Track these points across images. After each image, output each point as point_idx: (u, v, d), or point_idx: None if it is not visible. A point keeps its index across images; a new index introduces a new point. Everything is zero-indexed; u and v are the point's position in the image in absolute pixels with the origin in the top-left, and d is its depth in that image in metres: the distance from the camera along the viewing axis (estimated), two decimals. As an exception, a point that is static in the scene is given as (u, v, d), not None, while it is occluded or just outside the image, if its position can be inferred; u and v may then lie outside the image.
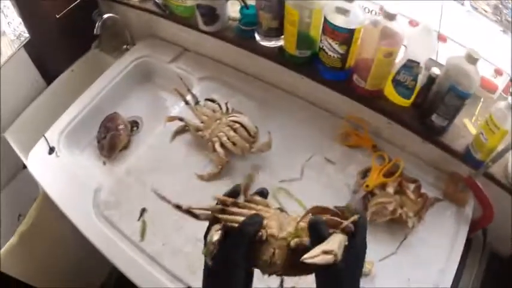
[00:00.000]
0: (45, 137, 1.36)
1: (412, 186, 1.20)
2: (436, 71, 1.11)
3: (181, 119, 1.27)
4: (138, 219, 1.16)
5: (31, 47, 1.47)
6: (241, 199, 0.67)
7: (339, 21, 1.08)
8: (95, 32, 1.46)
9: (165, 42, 1.55)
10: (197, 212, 0.63)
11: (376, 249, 1.12)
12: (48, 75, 1.55)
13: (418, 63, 1.09)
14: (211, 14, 1.30)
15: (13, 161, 1.48)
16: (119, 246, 1.12)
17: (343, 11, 1.07)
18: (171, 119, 1.28)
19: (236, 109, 1.29)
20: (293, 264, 0.58)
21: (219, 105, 1.27)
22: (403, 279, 1.07)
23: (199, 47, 1.50)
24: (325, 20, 1.10)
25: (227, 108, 1.27)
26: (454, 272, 1.08)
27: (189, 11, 1.36)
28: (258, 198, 0.67)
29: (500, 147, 1.07)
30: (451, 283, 1.06)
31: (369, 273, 1.07)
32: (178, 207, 0.63)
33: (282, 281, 1.06)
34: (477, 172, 1.13)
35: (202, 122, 1.25)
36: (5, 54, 1.39)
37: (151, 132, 1.36)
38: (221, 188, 1.18)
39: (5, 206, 1.53)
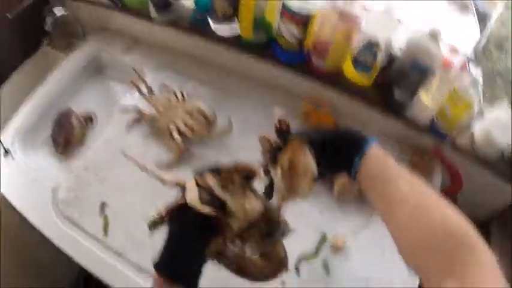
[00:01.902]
0: (-1, 140, 1.28)
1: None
2: (396, 48, 1.12)
3: (135, 109, 1.21)
4: (100, 215, 1.10)
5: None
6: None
7: (297, 5, 1.06)
8: (46, 28, 1.38)
9: (117, 34, 1.48)
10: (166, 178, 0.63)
11: (347, 223, 1.11)
12: (1, 75, 1.45)
13: (378, 42, 1.08)
14: (164, 3, 1.25)
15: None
16: (83, 245, 1.06)
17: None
18: (125, 109, 1.22)
19: (192, 96, 1.24)
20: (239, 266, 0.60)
21: (175, 94, 1.22)
22: (377, 251, 1.05)
23: (153, 37, 1.44)
24: (283, 4, 1.08)
25: (183, 96, 1.22)
26: None
27: (142, 1, 1.30)
28: (237, 179, 0.63)
29: (465, 119, 1.08)
30: None
31: (341, 247, 1.06)
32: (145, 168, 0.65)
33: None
34: (443, 143, 1.14)
35: (158, 111, 1.20)
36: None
37: (107, 126, 1.29)
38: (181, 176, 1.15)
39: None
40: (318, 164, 0.64)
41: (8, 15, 1.32)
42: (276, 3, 1.10)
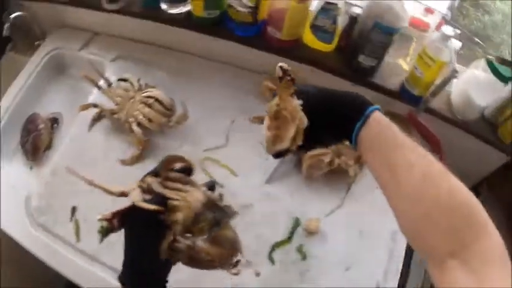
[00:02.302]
0: (-30, 154, 1.24)
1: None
2: (356, 10, 1.04)
3: (95, 105, 1.15)
4: (70, 220, 1.06)
5: None
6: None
7: None
8: (4, 33, 1.33)
9: (75, 30, 1.42)
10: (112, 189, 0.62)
11: (320, 204, 1.04)
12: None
13: (336, 4, 1.01)
14: (113, -8, 1.18)
15: None
16: (59, 252, 1.02)
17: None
18: (84, 107, 1.16)
19: (150, 84, 1.17)
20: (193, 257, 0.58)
21: (131, 83, 1.15)
22: (355, 231, 1.01)
23: (108, 28, 1.37)
24: None
25: (139, 85, 1.15)
26: None
27: (93, -8, 1.24)
28: (175, 175, 0.62)
29: (438, 80, 1.01)
30: None
31: (316, 230, 1.00)
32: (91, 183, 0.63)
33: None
34: (418, 108, 1.07)
35: (116, 104, 1.13)
36: None
37: (71, 126, 1.24)
38: (146, 169, 1.09)
39: None
40: (313, 124, 0.61)
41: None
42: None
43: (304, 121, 0.60)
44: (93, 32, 1.40)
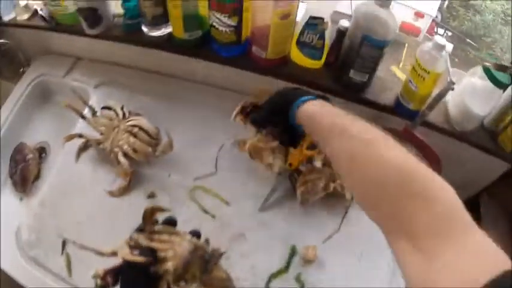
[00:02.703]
0: (-42, 186, 1.22)
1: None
2: (344, 23, 1.00)
3: (80, 135, 1.12)
4: (62, 253, 1.03)
5: None
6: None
7: None
8: (-12, 61, 1.29)
9: (59, 55, 1.38)
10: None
11: (316, 230, 1.00)
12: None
13: (322, 18, 0.97)
14: (93, 16, 1.14)
15: None
16: (51, 287, 0.98)
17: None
18: (70, 137, 1.12)
19: (134, 111, 1.13)
20: None
21: (115, 112, 1.11)
22: (354, 255, 0.96)
23: (91, 53, 1.34)
24: None
25: (123, 113, 1.11)
26: None
27: (73, 17, 1.19)
28: (160, 228, 0.65)
29: (435, 92, 0.96)
30: None
31: (313, 258, 0.95)
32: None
33: None
34: (414, 123, 1.02)
35: (101, 134, 1.10)
36: None
37: (58, 156, 1.20)
38: (134, 201, 1.06)
39: None
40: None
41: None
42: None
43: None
44: (77, 57, 1.37)
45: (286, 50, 1.07)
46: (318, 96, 0.75)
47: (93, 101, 1.22)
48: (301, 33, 1.02)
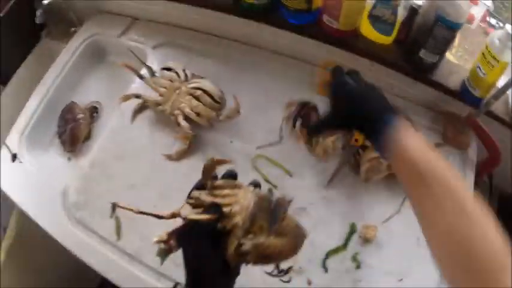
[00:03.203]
0: (6, 144, 1.19)
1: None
2: (417, 1, 0.96)
3: (137, 96, 1.08)
4: (111, 217, 0.99)
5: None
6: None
7: None
8: (37, 20, 1.27)
9: (113, 15, 1.35)
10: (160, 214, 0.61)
11: (377, 210, 0.97)
12: (4, 76, 1.36)
13: None
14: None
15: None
16: (98, 250, 0.96)
17: None
18: (126, 97, 1.08)
19: (197, 74, 1.09)
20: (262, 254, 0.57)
21: (177, 73, 1.07)
22: (412, 239, 0.92)
23: (149, 13, 1.30)
24: None
25: (185, 75, 1.07)
26: None
27: (132, -25, 1.16)
28: (221, 182, 0.62)
29: (501, 82, 0.94)
30: None
31: (372, 238, 0.92)
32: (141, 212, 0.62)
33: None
34: (478, 111, 0.99)
35: (161, 95, 1.06)
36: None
37: (111, 116, 1.18)
38: (193, 165, 1.02)
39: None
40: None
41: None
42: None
43: None
44: (133, 17, 1.33)
45: (357, 22, 1.04)
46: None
47: (151, 62, 1.18)
48: (374, 6, 0.98)
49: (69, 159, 1.20)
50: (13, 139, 1.19)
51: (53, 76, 1.26)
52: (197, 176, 0.62)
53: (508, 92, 0.99)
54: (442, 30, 0.92)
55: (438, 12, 0.90)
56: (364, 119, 0.65)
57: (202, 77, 1.07)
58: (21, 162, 1.15)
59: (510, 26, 0.92)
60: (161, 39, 1.26)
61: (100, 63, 1.35)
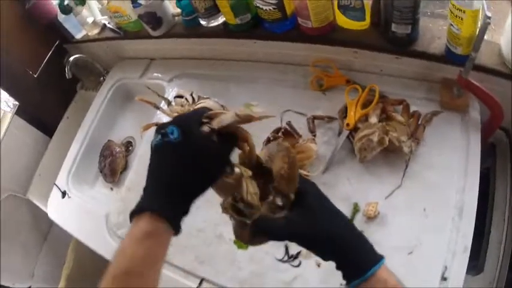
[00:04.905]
0: (55, 185, 1.39)
1: (399, 108, 1.05)
2: None
3: (157, 124, 1.22)
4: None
5: (23, 111, 1.50)
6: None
7: None
8: (67, 76, 1.46)
9: (134, 60, 1.53)
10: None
11: (378, 187, 0.97)
12: (49, 129, 1.59)
13: None
14: (154, 19, 1.27)
15: (45, 216, 1.51)
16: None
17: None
18: (147, 127, 1.21)
19: (203, 95, 1.22)
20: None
21: (186, 99, 1.21)
22: (417, 211, 0.91)
23: (161, 52, 1.46)
24: None
25: (193, 98, 1.20)
26: (477, 187, 0.90)
27: (137, 24, 1.34)
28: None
29: (476, 31, 0.88)
30: (476, 200, 0.89)
31: (374, 215, 0.93)
32: None
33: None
34: (465, 69, 0.93)
35: (176, 120, 1.20)
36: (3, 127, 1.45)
37: (143, 146, 1.33)
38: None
39: (51, 256, 1.57)
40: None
41: (33, 74, 1.42)
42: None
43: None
44: (149, 58, 1.50)
45: (329, 16, 1.07)
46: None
47: (168, 94, 1.34)
48: None
49: (111, 189, 1.37)
50: (62, 179, 1.38)
51: (89, 121, 1.45)
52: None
53: (500, 42, 0.96)
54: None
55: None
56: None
57: (207, 97, 1.20)
58: (69, 197, 1.34)
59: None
60: (174, 72, 1.41)
61: (129, 102, 1.53)
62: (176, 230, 0.53)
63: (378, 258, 0.57)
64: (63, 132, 1.57)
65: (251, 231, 0.58)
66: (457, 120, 1.02)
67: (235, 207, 0.57)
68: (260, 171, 0.60)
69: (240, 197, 0.57)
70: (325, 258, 0.58)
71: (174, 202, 0.53)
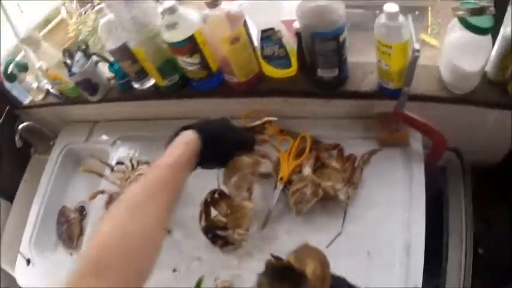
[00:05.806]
0: (20, 252, 1.38)
1: (334, 153, 1.06)
2: (296, 25, 0.95)
3: (102, 192, 1.23)
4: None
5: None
6: None
7: (173, 36, 1.00)
8: (17, 145, 1.46)
9: (78, 123, 1.54)
10: None
11: (318, 236, 0.97)
12: (9, 195, 1.58)
13: (273, 28, 0.97)
14: (90, 86, 1.28)
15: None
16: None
17: (172, 25, 0.99)
18: (93, 196, 1.24)
19: (143, 159, 1.23)
20: None
21: (126, 165, 1.22)
22: (361, 256, 0.93)
23: (103, 115, 1.47)
24: (164, 41, 1.02)
25: (132, 165, 1.21)
26: (423, 218, 0.91)
27: (76, 90, 1.34)
28: None
29: (406, 63, 0.87)
30: (423, 233, 0.90)
31: None
32: None
33: None
34: (400, 103, 0.93)
35: (119, 186, 1.20)
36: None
37: (95, 212, 1.33)
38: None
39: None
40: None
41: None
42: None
43: None
44: (93, 121, 1.51)
45: (255, 68, 1.08)
46: None
47: (112, 158, 1.34)
48: (262, 48, 1.02)
49: (71, 254, 1.37)
50: (25, 245, 1.38)
51: (44, 187, 1.45)
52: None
53: (440, 68, 0.96)
54: (322, 44, 0.90)
55: (310, 29, 0.89)
56: None
57: (147, 162, 1.20)
58: (33, 264, 1.34)
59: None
60: (117, 135, 1.42)
61: (78, 167, 1.52)
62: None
63: None
64: (24, 196, 1.56)
65: None
66: (397, 154, 1.03)
67: None
68: (291, 277, 0.63)
69: None
70: None
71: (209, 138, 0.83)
